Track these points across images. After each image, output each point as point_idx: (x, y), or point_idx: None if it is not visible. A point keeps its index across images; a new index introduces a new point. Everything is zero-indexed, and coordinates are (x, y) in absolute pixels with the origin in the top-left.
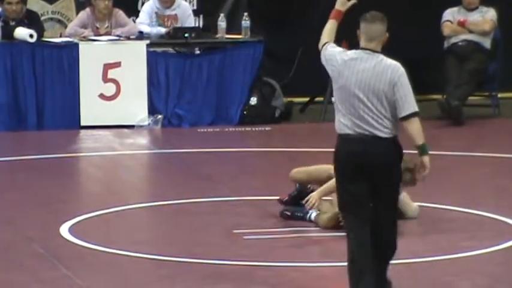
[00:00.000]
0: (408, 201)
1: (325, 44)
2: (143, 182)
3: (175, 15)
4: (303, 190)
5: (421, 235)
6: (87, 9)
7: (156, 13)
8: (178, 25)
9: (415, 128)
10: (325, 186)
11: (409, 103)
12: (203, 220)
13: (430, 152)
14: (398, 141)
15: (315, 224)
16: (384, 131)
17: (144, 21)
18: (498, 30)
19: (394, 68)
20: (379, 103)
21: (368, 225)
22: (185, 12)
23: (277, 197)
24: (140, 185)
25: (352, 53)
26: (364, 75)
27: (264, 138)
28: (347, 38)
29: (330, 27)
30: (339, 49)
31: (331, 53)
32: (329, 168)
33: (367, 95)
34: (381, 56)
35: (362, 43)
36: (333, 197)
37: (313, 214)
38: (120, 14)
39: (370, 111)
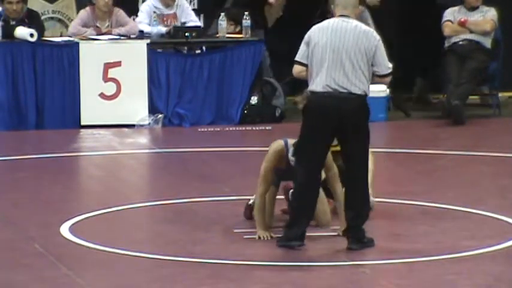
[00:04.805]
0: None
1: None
2: (143, 182)
3: (175, 13)
4: None
5: (421, 234)
6: (88, 8)
7: (154, 12)
8: (178, 23)
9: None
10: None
11: (386, 65)
12: (203, 219)
13: (430, 152)
14: (367, 101)
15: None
16: (359, 87)
17: (144, 21)
18: (499, 30)
19: (373, 32)
20: (361, 60)
21: (318, 168)
22: (184, 11)
23: (281, 196)
24: (140, 184)
25: (328, 21)
26: (347, 34)
27: (265, 137)
28: None
29: None
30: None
31: (304, 46)
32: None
33: (354, 51)
34: (357, 21)
35: (338, 12)
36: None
37: None
38: (120, 13)
39: (352, 66)
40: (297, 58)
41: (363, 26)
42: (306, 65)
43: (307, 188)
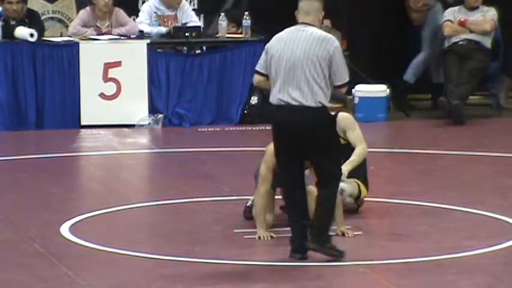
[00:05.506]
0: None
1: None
2: (143, 182)
3: (175, 15)
4: None
5: (422, 234)
6: (87, 8)
7: (155, 13)
8: (179, 24)
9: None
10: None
11: (342, 74)
12: (203, 219)
13: (430, 152)
14: (328, 112)
15: None
16: (313, 99)
17: (144, 21)
18: (499, 29)
19: (330, 39)
20: (314, 70)
21: (300, 180)
22: (185, 12)
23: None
24: (140, 184)
25: (287, 30)
26: (300, 44)
27: (265, 137)
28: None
29: None
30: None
31: (264, 55)
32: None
33: (306, 62)
34: (315, 28)
35: (300, 19)
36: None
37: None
38: (120, 13)
39: (305, 78)
40: (257, 68)
41: (319, 33)
42: (264, 75)
43: (294, 193)
